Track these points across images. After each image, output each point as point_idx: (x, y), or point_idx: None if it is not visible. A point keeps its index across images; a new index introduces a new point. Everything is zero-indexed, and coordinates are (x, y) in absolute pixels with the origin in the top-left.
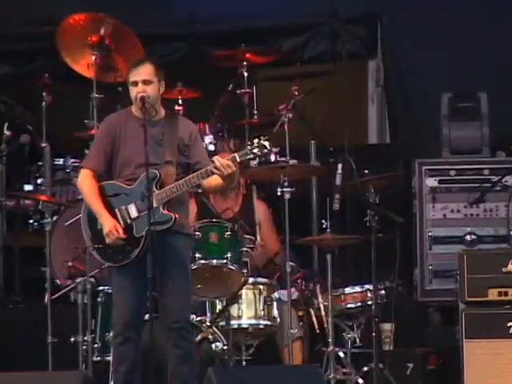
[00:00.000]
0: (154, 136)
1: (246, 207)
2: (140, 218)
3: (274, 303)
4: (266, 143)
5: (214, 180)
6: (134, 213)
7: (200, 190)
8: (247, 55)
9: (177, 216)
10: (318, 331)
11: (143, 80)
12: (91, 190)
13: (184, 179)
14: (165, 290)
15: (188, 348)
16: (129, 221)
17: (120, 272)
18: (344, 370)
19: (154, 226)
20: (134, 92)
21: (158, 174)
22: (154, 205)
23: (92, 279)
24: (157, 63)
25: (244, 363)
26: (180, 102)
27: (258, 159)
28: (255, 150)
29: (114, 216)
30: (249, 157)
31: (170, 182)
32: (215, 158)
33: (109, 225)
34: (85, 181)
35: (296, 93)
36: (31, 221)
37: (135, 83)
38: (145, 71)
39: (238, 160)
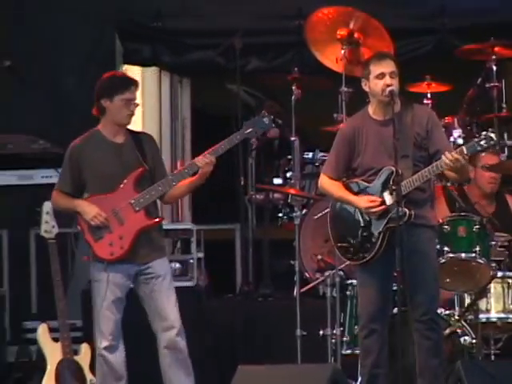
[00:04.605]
0: (390, 135)
1: (500, 203)
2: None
3: None
4: (493, 135)
5: (447, 173)
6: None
7: (449, 184)
8: (496, 49)
9: (412, 212)
10: None
11: (391, 72)
12: (333, 184)
13: (417, 174)
14: (412, 283)
15: (437, 339)
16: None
17: (364, 268)
18: None
19: (391, 222)
20: (379, 85)
21: (395, 171)
22: (390, 202)
23: (341, 272)
24: (395, 59)
25: (493, 357)
26: (429, 95)
27: (485, 151)
28: (482, 142)
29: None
30: (476, 149)
31: (407, 177)
32: (445, 153)
33: (362, 202)
34: (325, 182)
35: None
36: (280, 214)
37: (382, 75)
38: (391, 64)
39: (466, 152)
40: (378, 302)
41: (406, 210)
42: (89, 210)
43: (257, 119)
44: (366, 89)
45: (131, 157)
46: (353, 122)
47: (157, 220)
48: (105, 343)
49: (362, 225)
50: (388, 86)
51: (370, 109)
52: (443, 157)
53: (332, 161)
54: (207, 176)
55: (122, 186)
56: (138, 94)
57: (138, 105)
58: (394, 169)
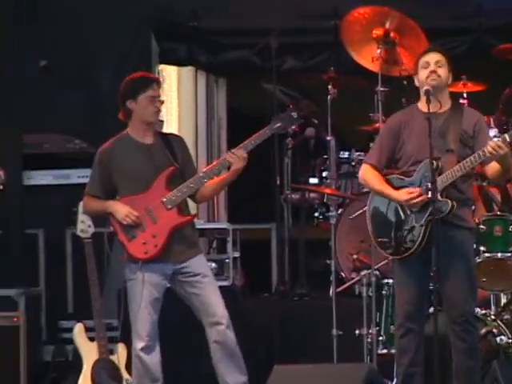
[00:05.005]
0: (437, 128)
1: None
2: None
3: None
4: None
5: (492, 168)
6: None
7: (485, 183)
8: None
9: (455, 203)
10: None
11: (436, 61)
12: (374, 176)
13: (458, 164)
14: (448, 284)
15: (472, 342)
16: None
17: (402, 265)
18: None
19: (434, 215)
20: (424, 74)
21: (436, 165)
22: (430, 193)
23: (377, 272)
24: (447, 54)
25: None
26: (464, 95)
27: None
28: None
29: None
30: None
31: None
32: (488, 141)
33: (403, 195)
34: (366, 172)
35: None
36: (316, 214)
37: (427, 64)
38: (438, 55)
39: (508, 140)
40: (415, 301)
41: (449, 200)
42: (120, 209)
43: (285, 114)
44: (417, 84)
45: (161, 157)
46: (400, 115)
47: (189, 217)
48: (141, 344)
49: (403, 218)
50: (433, 72)
51: (420, 103)
52: (487, 145)
53: (375, 151)
54: (239, 172)
55: (153, 185)
56: (174, 94)
57: (163, 101)
58: (433, 161)
